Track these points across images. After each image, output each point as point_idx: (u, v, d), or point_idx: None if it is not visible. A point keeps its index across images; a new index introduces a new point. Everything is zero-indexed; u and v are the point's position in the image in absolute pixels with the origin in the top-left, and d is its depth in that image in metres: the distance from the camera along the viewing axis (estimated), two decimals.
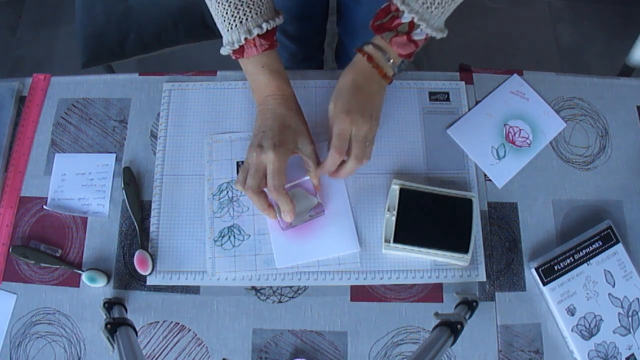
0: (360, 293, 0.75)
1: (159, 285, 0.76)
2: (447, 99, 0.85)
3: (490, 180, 0.81)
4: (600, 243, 0.75)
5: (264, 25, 0.69)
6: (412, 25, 0.68)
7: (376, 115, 0.73)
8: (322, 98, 0.85)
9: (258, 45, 0.70)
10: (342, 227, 0.77)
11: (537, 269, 0.74)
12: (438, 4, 0.66)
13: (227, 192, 0.79)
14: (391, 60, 0.72)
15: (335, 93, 0.73)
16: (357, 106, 0.71)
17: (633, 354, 0.72)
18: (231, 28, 0.69)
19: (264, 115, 0.73)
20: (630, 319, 0.73)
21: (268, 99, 0.73)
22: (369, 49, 0.73)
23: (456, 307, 0.72)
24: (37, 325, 0.74)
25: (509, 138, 0.83)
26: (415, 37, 0.70)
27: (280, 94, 0.73)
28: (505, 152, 0.82)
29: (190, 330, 0.74)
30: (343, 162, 0.73)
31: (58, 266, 0.76)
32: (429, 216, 0.76)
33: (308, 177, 0.76)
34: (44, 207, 0.79)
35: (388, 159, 0.82)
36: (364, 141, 0.72)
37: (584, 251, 0.75)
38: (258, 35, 0.69)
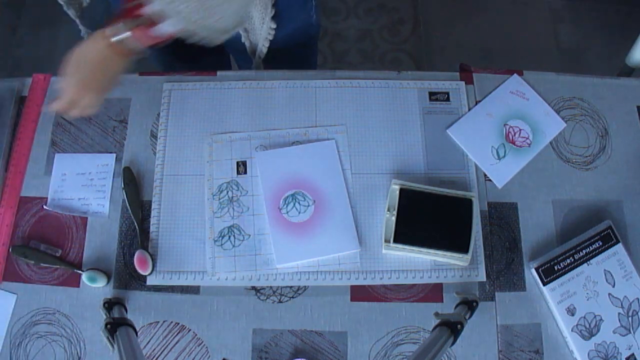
0: (360, 293, 0.75)
1: (159, 285, 0.76)
2: (447, 99, 0.85)
3: (490, 180, 0.81)
4: (600, 243, 0.75)
5: None
6: (155, 18, 0.65)
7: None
8: (322, 98, 0.85)
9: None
10: (342, 227, 0.77)
11: (537, 269, 0.74)
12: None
13: (227, 192, 0.79)
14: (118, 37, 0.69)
15: None
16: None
17: (633, 354, 0.72)
18: None
19: None
20: (630, 319, 0.73)
21: None
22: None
23: (456, 307, 0.72)
24: (37, 325, 0.74)
25: (509, 138, 0.83)
26: (158, 32, 0.66)
27: None
28: (505, 152, 0.82)
29: (190, 330, 0.74)
30: None
31: (58, 266, 0.76)
32: (429, 216, 0.76)
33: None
34: (44, 207, 0.79)
35: (388, 159, 0.82)
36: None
37: (584, 251, 0.75)
38: None
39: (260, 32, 0.89)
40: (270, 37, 0.89)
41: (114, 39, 0.67)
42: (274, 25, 0.87)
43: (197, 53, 0.93)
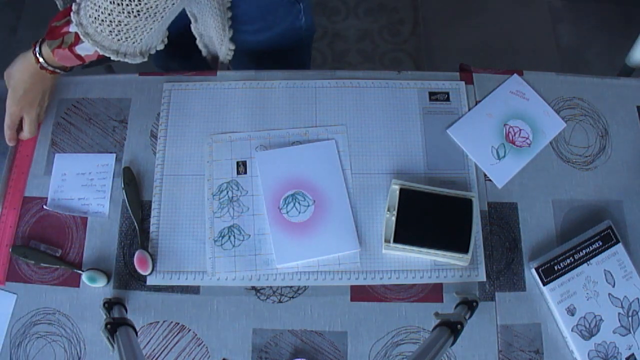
0: (360, 293, 0.75)
1: (159, 285, 0.76)
2: (447, 99, 0.85)
3: (490, 180, 0.81)
4: (600, 243, 0.75)
5: None
6: (77, 38, 0.68)
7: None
8: (322, 98, 0.85)
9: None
10: (342, 227, 0.77)
11: (537, 269, 0.74)
12: (102, 21, 0.64)
13: (227, 192, 0.80)
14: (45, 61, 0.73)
15: None
16: None
17: (633, 354, 0.72)
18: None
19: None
20: (630, 319, 0.73)
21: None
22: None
23: (456, 307, 0.72)
24: (37, 325, 0.74)
25: (509, 138, 0.83)
26: (80, 52, 0.70)
27: None
28: (505, 152, 0.82)
29: (190, 330, 0.74)
30: None
31: (58, 266, 0.76)
32: (429, 216, 0.76)
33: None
34: (44, 207, 0.79)
35: (388, 159, 0.82)
36: None
37: (584, 251, 0.75)
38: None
39: (220, 51, 0.89)
40: (229, 57, 0.90)
41: (40, 61, 0.73)
42: (232, 47, 0.88)
43: (188, 51, 0.94)
